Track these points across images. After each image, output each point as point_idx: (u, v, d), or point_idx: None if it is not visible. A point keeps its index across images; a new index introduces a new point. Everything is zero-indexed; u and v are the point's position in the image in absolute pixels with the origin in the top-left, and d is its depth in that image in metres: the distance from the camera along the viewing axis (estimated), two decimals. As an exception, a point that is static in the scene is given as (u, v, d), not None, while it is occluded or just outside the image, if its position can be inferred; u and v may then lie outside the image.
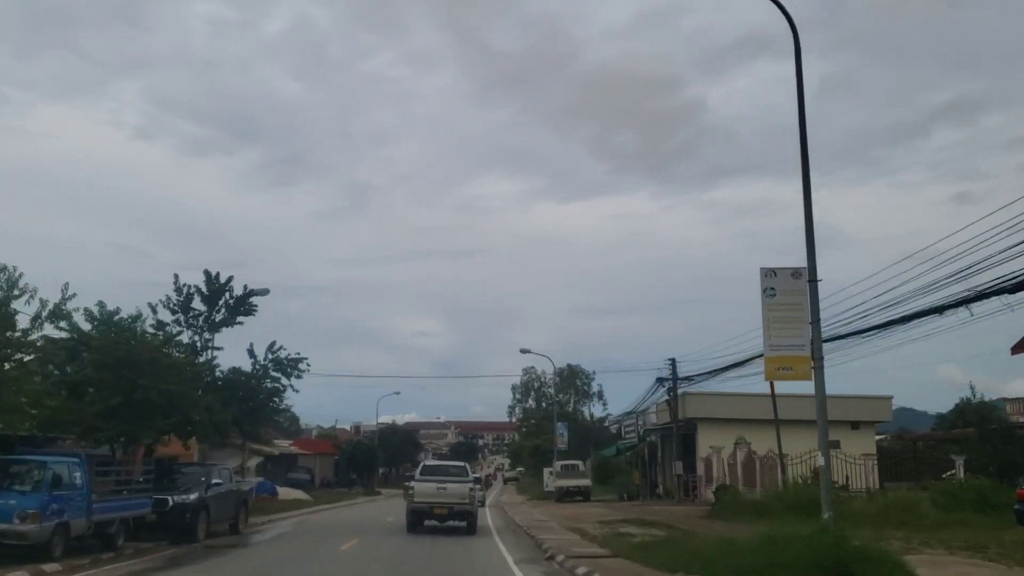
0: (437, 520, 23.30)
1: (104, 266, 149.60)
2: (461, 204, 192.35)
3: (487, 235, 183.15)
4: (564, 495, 41.89)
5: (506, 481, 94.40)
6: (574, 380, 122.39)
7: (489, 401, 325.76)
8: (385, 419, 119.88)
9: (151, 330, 22.58)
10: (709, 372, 34.82)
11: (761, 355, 18.03)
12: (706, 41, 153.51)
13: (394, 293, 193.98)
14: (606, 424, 79.45)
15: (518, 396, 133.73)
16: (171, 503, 18.64)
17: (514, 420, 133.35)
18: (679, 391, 39.07)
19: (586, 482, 43.93)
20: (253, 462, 41.72)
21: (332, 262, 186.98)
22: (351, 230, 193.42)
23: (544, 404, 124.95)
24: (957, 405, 47.49)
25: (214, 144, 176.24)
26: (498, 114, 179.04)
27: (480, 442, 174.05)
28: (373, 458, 58.36)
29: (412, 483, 23.93)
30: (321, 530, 24.91)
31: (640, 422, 48.17)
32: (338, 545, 19.26)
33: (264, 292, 26.89)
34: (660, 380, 40.25)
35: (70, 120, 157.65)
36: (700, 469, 37.79)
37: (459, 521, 23.37)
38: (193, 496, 19.17)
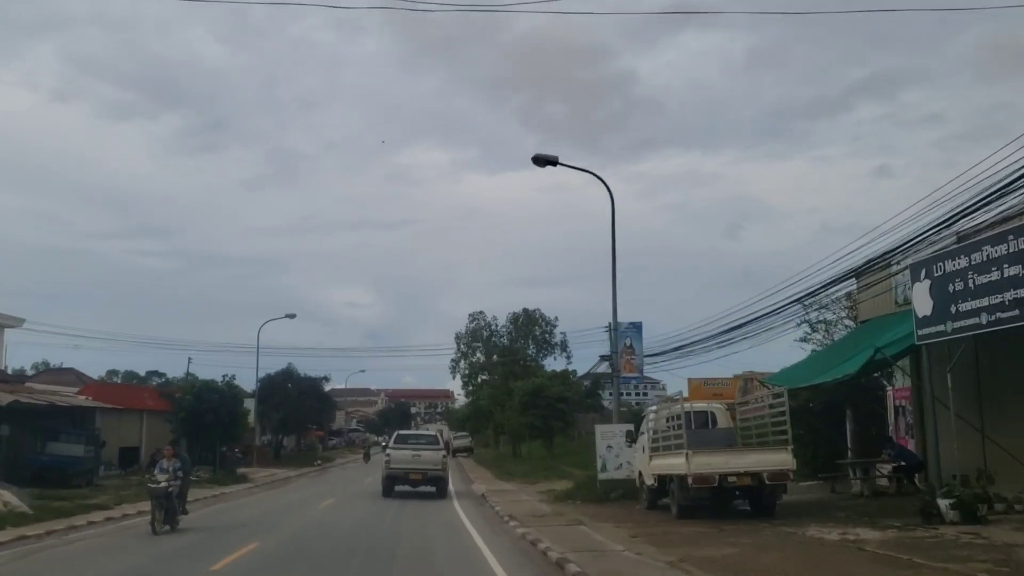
0: (411, 485, 25.04)
1: (20, 233, 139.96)
2: (391, 174, 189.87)
3: (418, 205, 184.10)
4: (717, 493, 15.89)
5: (455, 453, 69.11)
6: (532, 328, 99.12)
7: (420, 373, 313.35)
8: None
9: None
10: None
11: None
12: (635, 9, 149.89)
13: (323, 263, 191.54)
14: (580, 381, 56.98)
15: (463, 347, 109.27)
16: None
17: (459, 375, 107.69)
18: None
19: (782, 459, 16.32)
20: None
21: (259, 231, 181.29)
22: (278, 199, 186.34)
23: (495, 357, 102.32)
24: None
25: (135, 108, 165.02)
26: (427, 82, 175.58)
27: (412, 410, 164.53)
28: (229, 416, 32.47)
29: (388, 450, 25.87)
30: None
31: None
32: None
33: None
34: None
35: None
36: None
37: (430, 486, 24.92)
38: None
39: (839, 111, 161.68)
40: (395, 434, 28.22)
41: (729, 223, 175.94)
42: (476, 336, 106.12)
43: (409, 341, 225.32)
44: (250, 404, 45.69)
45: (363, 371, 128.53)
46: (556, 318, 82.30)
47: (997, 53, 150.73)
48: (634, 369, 20.83)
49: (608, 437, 19.88)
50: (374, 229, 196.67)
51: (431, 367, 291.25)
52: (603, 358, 42.83)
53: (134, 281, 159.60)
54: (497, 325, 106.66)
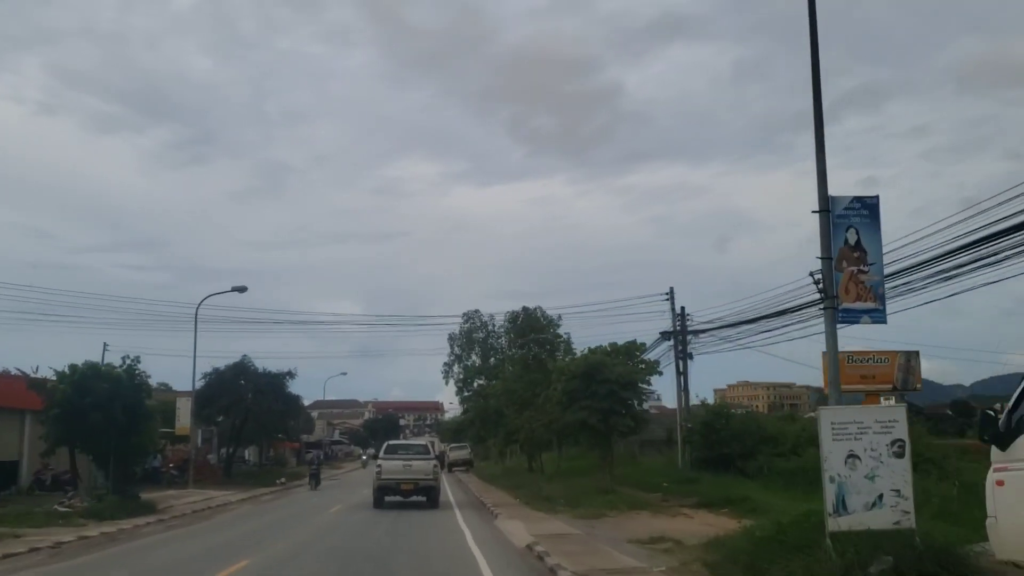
0: (402, 495, 24.81)
1: (7, 249, 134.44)
2: (380, 187, 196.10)
3: (406, 218, 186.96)
4: None
5: (451, 467, 58.10)
6: (532, 328, 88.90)
7: (408, 386, 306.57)
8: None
9: None
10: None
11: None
12: (623, 22, 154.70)
13: (312, 276, 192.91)
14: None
15: (457, 349, 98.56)
16: None
17: (452, 381, 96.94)
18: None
19: None
20: None
21: (248, 244, 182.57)
22: (267, 212, 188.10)
23: (493, 359, 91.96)
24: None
25: (122, 121, 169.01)
26: (416, 95, 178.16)
27: (401, 422, 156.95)
28: (126, 415, 21.28)
29: (380, 461, 25.53)
30: None
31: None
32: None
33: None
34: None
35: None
36: None
37: (421, 496, 24.73)
38: None
39: (826, 123, 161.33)
40: (385, 444, 28.10)
41: (716, 235, 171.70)
42: (471, 337, 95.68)
43: (398, 353, 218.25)
44: (193, 407, 35.05)
45: (344, 373, 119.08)
46: (559, 317, 71.29)
47: (982, 67, 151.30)
48: (869, 296, 9.87)
49: (849, 435, 8.75)
50: (362, 242, 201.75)
51: (420, 381, 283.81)
52: (664, 336, 32.11)
53: (122, 294, 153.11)
54: (494, 325, 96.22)
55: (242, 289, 34.41)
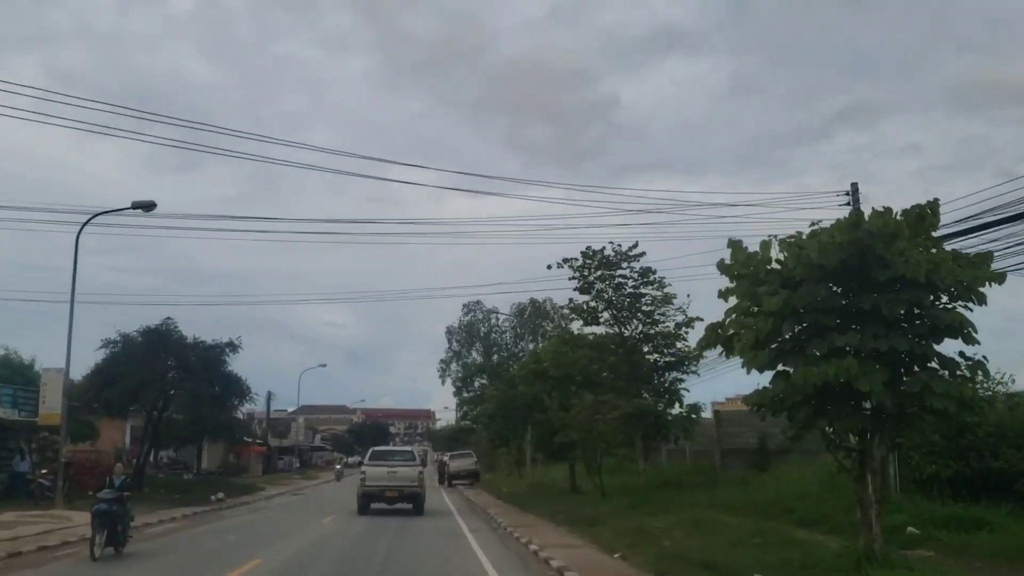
0: (387, 503, 24.09)
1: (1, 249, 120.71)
2: (374, 195, 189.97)
3: (400, 227, 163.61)
4: None
5: (450, 480, 45.64)
6: (538, 322, 77.66)
7: (398, 395, 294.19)
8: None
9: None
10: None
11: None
12: (620, 34, 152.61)
13: (303, 283, 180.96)
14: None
15: (456, 344, 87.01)
16: None
17: (449, 379, 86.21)
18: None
19: None
20: None
21: (240, 250, 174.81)
22: (260, 216, 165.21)
23: (496, 357, 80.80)
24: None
25: (116, 125, 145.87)
26: (412, 103, 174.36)
27: (392, 430, 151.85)
28: None
29: (364, 468, 25.06)
30: None
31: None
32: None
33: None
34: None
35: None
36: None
37: (407, 504, 24.04)
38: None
39: (819, 139, 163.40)
40: (370, 451, 27.71)
41: (710, 251, 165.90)
42: (472, 331, 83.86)
43: (388, 360, 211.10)
44: (66, 385, 23.45)
45: (323, 365, 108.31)
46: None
47: (975, 86, 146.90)
48: None
49: None
50: (356, 249, 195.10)
51: (411, 390, 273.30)
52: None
53: (109, 297, 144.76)
54: (498, 318, 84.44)
55: (148, 206, 22.57)
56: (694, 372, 24.77)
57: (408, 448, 29.82)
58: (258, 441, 60.18)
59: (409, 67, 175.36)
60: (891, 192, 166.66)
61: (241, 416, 37.60)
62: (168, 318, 28.46)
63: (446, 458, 53.20)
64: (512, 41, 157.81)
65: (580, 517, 18.70)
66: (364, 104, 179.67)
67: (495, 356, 78.55)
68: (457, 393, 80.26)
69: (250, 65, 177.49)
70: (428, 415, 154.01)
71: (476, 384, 73.78)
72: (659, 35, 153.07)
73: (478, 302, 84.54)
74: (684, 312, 24.74)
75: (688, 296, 25.69)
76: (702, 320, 23.01)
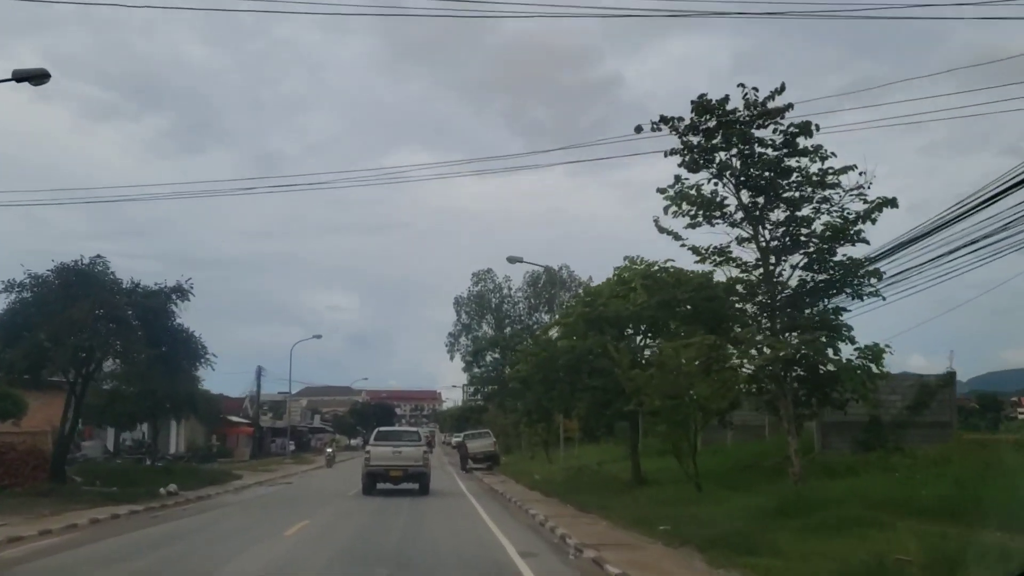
0: (392, 483, 24.16)
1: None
2: (376, 177, 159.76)
3: (403, 209, 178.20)
4: None
5: (466, 466, 38.72)
6: (553, 292, 70.42)
7: (404, 377, 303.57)
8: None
9: None
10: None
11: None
12: (622, 12, 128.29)
13: (307, 266, 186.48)
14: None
15: (465, 316, 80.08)
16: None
17: (458, 354, 79.51)
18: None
19: None
20: None
21: (242, 234, 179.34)
22: (262, 201, 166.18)
23: (509, 329, 73.87)
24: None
25: (117, 109, 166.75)
26: (413, 84, 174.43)
27: (397, 411, 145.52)
28: None
29: (369, 448, 25.18)
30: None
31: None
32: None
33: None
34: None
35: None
36: None
37: (412, 483, 24.22)
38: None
39: (822, 116, 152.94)
40: (376, 431, 27.69)
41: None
42: (482, 301, 76.87)
43: (394, 346, 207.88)
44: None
45: (319, 336, 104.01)
46: (591, 278, 51.76)
47: (980, 62, 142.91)
48: None
49: None
50: (359, 232, 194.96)
51: (417, 372, 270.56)
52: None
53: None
54: (511, 288, 77.39)
55: (37, 76, 15.52)
56: (872, 293, 16.25)
57: (413, 428, 29.24)
58: (245, 421, 53.55)
59: (410, 47, 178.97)
60: (894, 170, 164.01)
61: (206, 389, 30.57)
62: (98, 255, 21.53)
63: (463, 438, 46.08)
64: (513, 21, 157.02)
65: (708, 535, 11.37)
66: (366, 86, 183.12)
67: (507, 328, 71.80)
68: (467, 369, 73.30)
69: (250, 49, 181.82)
70: (434, 396, 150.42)
71: (488, 359, 67.03)
72: (661, 11, 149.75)
73: (489, 270, 77.53)
74: (863, 194, 15.86)
75: (863, 173, 15.95)
76: (895, 205, 15.40)
